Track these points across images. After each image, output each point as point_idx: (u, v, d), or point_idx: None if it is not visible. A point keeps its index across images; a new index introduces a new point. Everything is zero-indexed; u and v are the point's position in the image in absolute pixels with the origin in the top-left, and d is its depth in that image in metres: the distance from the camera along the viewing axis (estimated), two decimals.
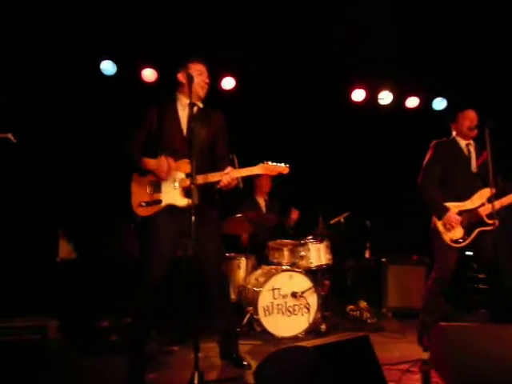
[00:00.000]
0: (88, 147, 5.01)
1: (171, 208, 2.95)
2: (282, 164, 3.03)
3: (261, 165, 2.99)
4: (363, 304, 4.69)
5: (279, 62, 5.37)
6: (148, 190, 2.99)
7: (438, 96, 5.95)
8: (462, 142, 3.69)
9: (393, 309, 5.07)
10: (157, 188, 2.99)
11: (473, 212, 3.53)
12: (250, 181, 5.15)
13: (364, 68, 5.56)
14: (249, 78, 5.51)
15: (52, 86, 4.85)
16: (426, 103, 5.99)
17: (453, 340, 2.51)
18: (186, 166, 2.90)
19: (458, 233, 3.52)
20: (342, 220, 4.95)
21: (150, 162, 2.96)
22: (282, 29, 4.98)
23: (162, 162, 2.92)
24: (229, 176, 2.91)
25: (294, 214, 5.04)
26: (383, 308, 5.10)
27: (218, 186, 2.97)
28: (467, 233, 3.51)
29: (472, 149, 3.68)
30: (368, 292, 5.09)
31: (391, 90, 5.91)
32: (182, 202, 2.90)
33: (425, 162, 3.72)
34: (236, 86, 5.51)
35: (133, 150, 3.02)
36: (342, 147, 5.98)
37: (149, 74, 5.23)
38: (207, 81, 3.10)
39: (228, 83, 5.51)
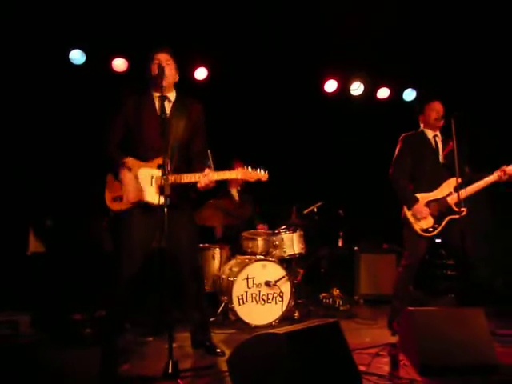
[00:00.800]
0: (59, 138, 4.92)
1: (145, 204, 2.93)
2: (262, 171, 3.03)
3: (240, 169, 2.98)
4: (336, 291, 4.78)
5: (252, 52, 5.36)
6: (121, 185, 2.94)
7: (409, 87, 6.05)
8: (430, 134, 3.79)
9: (365, 296, 5.20)
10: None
11: (442, 201, 3.63)
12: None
13: (336, 59, 5.60)
14: (221, 69, 5.48)
15: (19, 76, 4.73)
16: (396, 94, 6.09)
17: (418, 324, 2.60)
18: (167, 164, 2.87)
19: (427, 222, 3.62)
20: (315, 210, 5.02)
21: (124, 178, 2.90)
22: (255, 19, 4.97)
23: (130, 188, 2.88)
24: (207, 178, 2.90)
25: (260, 228, 5.03)
26: (355, 295, 5.22)
27: (197, 187, 2.96)
28: (437, 222, 3.62)
29: (439, 140, 3.79)
30: (341, 280, 5.18)
31: (363, 81, 5.98)
32: (156, 199, 2.83)
33: (395, 155, 3.82)
34: (208, 76, 5.48)
35: (111, 152, 2.97)
36: (315, 137, 6.04)
37: (119, 64, 5.15)
38: (175, 70, 3.07)
39: (201, 73, 5.47)
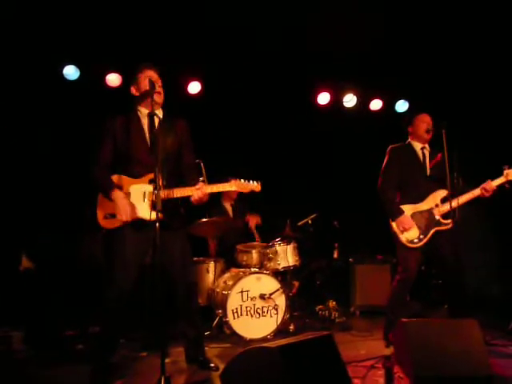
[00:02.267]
0: (53, 154, 4.92)
1: (137, 221, 2.92)
2: (254, 182, 3.06)
3: (233, 181, 3.01)
4: (332, 303, 4.76)
5: (245, 65, 5.40)
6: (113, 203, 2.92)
7: (401, 99, 6.11)
8: (417, 146, 3.82)
9: (360, 307, 5.18)
10: None
11: (427, 213, 3.63)
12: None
13: (329, 71, 5.66)
14: (215, 82, 5.52)
15: (13, 91, 4.74)
16: (388, 106, 6.14)
17: (412, 335, 2.59)
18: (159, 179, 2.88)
19: (413, 233, 3.61)
20: (310, 222, 5.03)
21: (116, 198, 2.89)
22: (249, 33, 5.02)
23: (124, 207, 2.86)
24: (200, 192, 2.92)
25: (252, 220, 5.09)
26: (351, 307, 5.21)
27: (191, 200, 2.97)
28: (423, 233, 3.61)
29: (426, 152, 3.81)
30: (336, 292, 5.17)
31: (355, 93, 6.04)
32: (148, 215, 2.80)
33: (383, 167, 3.84)
34: (202, 90, 5.52)
35: (98, 174, 2.96)
36: (309, 149, 6.07)
37: (113, 79, 5.18)
38: (160, 88, 3.08)
39: (194, 87, 5.51)
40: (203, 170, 4.08)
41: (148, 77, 2.97)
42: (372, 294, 5.17)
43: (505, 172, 3.55)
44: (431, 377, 2.47)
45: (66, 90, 5.03)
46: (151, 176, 2.79)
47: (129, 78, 5.07)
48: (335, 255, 5.66)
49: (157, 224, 2.60)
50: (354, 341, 3.96)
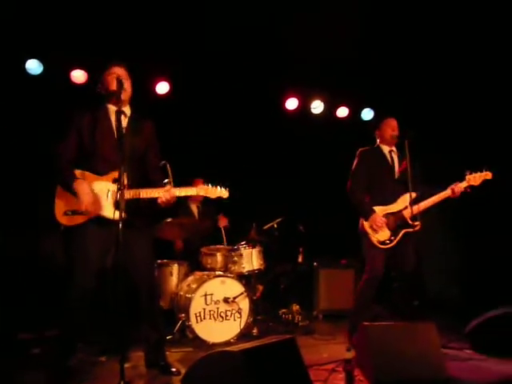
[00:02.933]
0: (14, 149, 4.74)
1: (100, 218, 2.86)
2: (222, 189, 3.07)
3: (201, 187, 3.04)
4: (295, 307, 4.78)
5: (215, 67, 5.39)
6: (74, 198, 2.84)
7: (366, 107, 6.24)
8: (386, 149, 3.93)
9: (324, 311, 5.23)
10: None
11: (398, 214, 3.74)
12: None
13: (297, 77, 5.71)
14: (184, 83, 5.47)
15: None
16: (354, 113, 6.26)
17: (373, 339, 2.64)
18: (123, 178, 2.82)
19: (384, 234, 3.72)
20: (275, 225, 5.05)
21: (79, 189, 2.80)
22: (219, 34, 5.00)
23: (88, 199, 2.80)
24: (168, 194, 2.90)
25: (222, 222, 5.08)
26: (315, 311, 5.25)
27: (158, 202, 2.94)
28: (393, 234, 3.72)
29: (395, 155, 3.93)
30: (300, 295, 5.19)
31: (323, 100, 6.12)
32: (111, 213, 2.77)
33: (352, 169, 3.92)
34: (170, 90, 5.46)
35: (61, 166, 2.89)
36: (276, 154, 6.10)
37: (79, 75, 5.05)
38: (131, 85, 3.05)
39: (162, 87, 5.45)
40: (169, 171, 4.04)
41: (116, 74, 2.92)
42: (335, 298, 5.23)
43: (466, 177, 3.72)
44: (391, 381, 2.52)
45: (29, 85, 4.87)
46: (115, 174, 2.73)
47: (95, 76, 5.02)
48: (300, 259, 5.69)
49: (120, 224, 2.54)
50: (316, 344, 3.99)
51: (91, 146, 2.92)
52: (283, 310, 4.82)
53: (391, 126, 3.88)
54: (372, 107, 6.21)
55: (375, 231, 3.69)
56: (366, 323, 2.82)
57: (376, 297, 3.83)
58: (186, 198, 5.16)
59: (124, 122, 2.96)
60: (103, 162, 2.91)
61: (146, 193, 2.90)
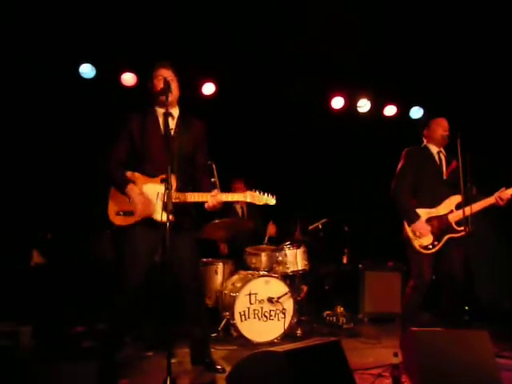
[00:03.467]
0: (67, 151, 4.96)
1: (149, 219, 2.93)
2: (270, 196, 3.07)
3: (248, 193, 3.04)
4: (340, 309, 4.73)
5: (260, 68, 5.40)
6: (128, 200, 2.92)
7: (416, 105, 6.06)
8: (434, 150, 3.76)
9: (369, 314, 5.14)
10: None
11: (442, 218, 3.58)
12: (228, 188, 5.20)
13: (343, 76, 5.63)
14: (229, 84, 5.52)
15: (31, 89, 4.79)
16: (403, 112, 6.09)
17: (422, 345, 2.55)
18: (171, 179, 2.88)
19: (427, 239, 3.56)
20: (320, 226, 5.00)
21: (132, 192, 2.88)
22: (265, 35, 5.02)
23: (140, 202, 2.86)
24: (215, 199, 2.93)
25: (272, 229, 5.08)
26: (360, 313, 5.16)
27: (205, 206, 2.98)
28: (437, 239, 3.56)
29: (443, 156, 3.75)
30: (345, 297, 5.12)
31: (369, 99, 6.00)
32: (160, 216, 2.78)
33: (398, 170, 3.77)
34: (216, 91, 5.52)
35: (112, 168, 2.96)
36: (322, 153, 6.05)
37: (128, 78, 5.20)
38: (178, 86, 3.09)
39: (208, 88, 5.52)
40: (215, 172, 4.09)
41: (163, 76, 2.97)
42: (381, 301, 5.12)
43: None
44: None
45: (83, 89, 5.07)
46: (164, 176, 2.79)
47: (144, 78, 5.16)
48: (345, 260, 5.62)
49: (167, 225, 2.60)
50: (361, 348, 3.92)
51: (141, 148, 3.00)
52: (327, 312, 4.77)
53: (442, 126, 3.70)
54: (421, 105, 6.02)
55: (417, 236, 3.57)
56: (414, 329, 2.74)
57: (425, 304, 3.71)
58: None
59: (172, 123, 3.00)
60: (152, 164, 2.97)
61: (193, 197, 2.94)
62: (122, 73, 5.20)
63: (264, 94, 5.61)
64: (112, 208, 2.97)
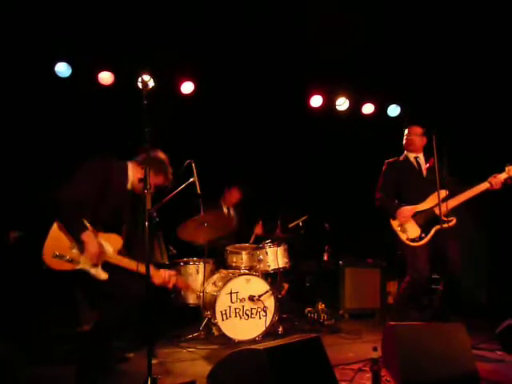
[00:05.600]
0: (41, 150, 4.87)
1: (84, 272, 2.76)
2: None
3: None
4: (321, 306, 4.76)
5: (238, 66, 5.40)
6: (69, 244, 2.71)
7: (393, 103, 6.14)
8: (411, 157, 3.93)
9: (350, 310, 5.19)
10: (81, 247, 2.69)
11: (428, 211, 3.68)
12: (218, 192, 5.19)
13: (321, 74, 5.67)
14: (208, 83, 5.50)
15: (5, 88, 4.69)
16: (381, 110, 6.17)
17: (400, 338, 2.60)
18: (116, 239, 2.86)
19: (414, 232, 3.66)
20: (301, 224, 5.02)
21: (90, 241, 2.67)
22: (242, 34, 5.02)
23: (95, 251, 2.69)
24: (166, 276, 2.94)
25: (259, 229, 5.12)
26: (340, 309, 5.20)
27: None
28: (424, 231, 3.65)
29: (420, 160, 3.92)
30: (326, 294, 5.16)
31: (348, 97, 6.05)
32: (97, 272, 2.74)
33: (379, 183, 3.94)
34: (195, 90, 5.50)
35: (73, 212, 2.70)
36: (301, 152, 6.08)
37: (106, 77, 5.14)
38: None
39: (187, 87, 5.49)
40: (194, 170, 4.07)
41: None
42: (361, 297, 5.18)
43: (506, 168, 3.65)
44: (419, 381, 2.47)
45: (58, 88, 4.99)
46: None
47: (122, 76, 5.10)
48: (325, 258, 5.66)
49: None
50: (342, 343, 3.96)
51: (100, 199, 2.87)
52: (309, 309, 4.80)
53: (417, 134, 3.89)
54: (399, 103, 6.11)
55: (404, 229, 3.63)
56: (392, 323, 2.78)
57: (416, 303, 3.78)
58: (220, 200, 5.21)
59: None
60: (101, 222, 2.88)
61: (125, 263, 2.83)
62: (98, 71, 5.13)
63: (242, 92, 5.60)
64: (49, 246, 2.69)
